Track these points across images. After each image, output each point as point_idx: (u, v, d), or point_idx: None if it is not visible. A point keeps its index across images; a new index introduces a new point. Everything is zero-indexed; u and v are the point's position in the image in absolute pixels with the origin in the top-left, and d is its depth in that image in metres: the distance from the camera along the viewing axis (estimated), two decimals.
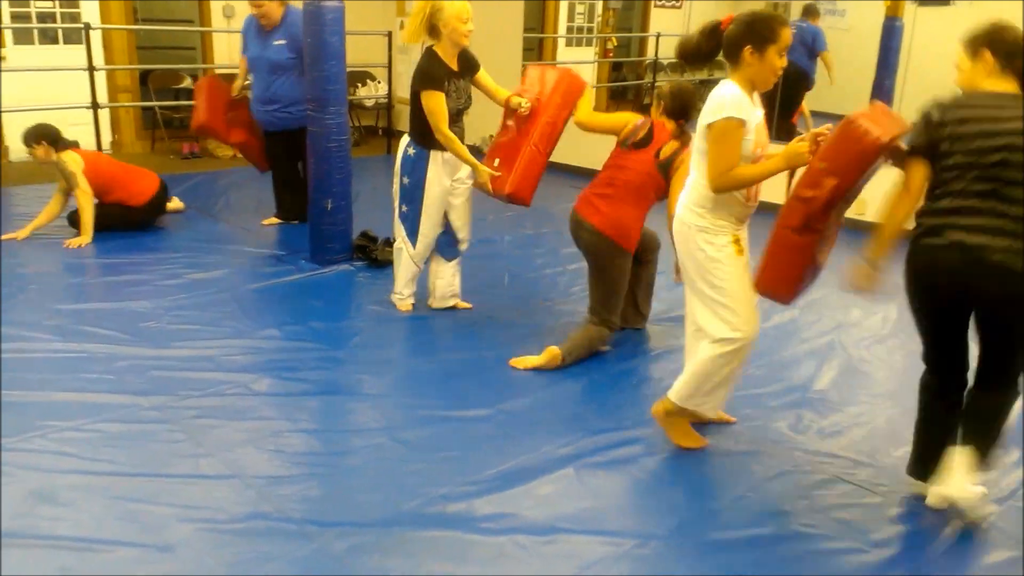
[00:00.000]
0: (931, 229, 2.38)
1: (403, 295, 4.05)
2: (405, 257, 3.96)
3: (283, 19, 4.96)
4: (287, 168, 5.32)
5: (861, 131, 2.39)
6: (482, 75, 3.90)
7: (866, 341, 3.92)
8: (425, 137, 3.72)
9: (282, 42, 4.94)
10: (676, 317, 3.99)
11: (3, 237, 4.77)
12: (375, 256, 4.70)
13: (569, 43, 9.04)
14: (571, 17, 8.93)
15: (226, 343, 3.58)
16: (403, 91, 8.97)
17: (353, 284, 4.47)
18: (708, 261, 2.67)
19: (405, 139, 3.85)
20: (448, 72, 3.67)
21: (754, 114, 2.60)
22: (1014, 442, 2.93)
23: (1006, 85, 2.40)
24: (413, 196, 3.82)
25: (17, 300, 3.90)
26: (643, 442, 2.91)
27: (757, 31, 2.56)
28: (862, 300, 4.21)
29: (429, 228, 3.87)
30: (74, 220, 4.93)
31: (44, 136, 4.89)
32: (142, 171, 5.25)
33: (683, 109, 3.44)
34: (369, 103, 8.80)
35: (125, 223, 5.04)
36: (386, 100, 8.51)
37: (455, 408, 3.12)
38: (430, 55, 3.65)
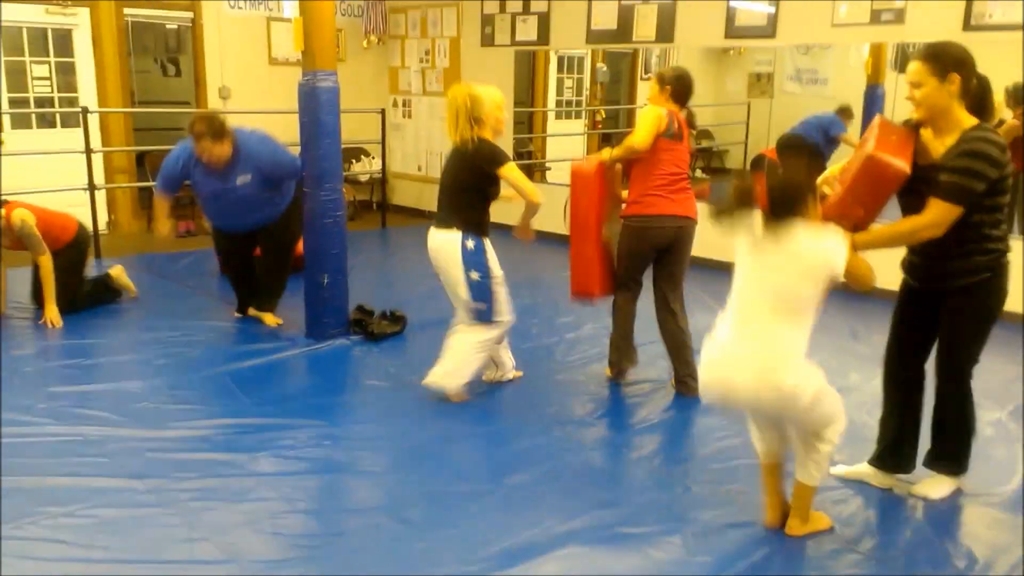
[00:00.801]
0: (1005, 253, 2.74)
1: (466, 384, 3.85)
2: (478, 351, 3.79)
3: (237, 152, 4.49)
4: (245, 261, 5.03)
5: (884, 164, 2.60)
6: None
7: (867, 405, 3.89)
8: (481, 226, 3.75)
9: (247, 178, 4.52)
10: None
11: None
12: (372, 330, 4.70)
13: (559, 116, 9.22)
14: (560, 91, 9.14)
15: (222, 422, 3.54)
16: (396, 166, 9.12)
17: (350, 359, 4.45)
18: None
19: (454, 235, 3.70)
20: None
21: None
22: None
23: (967, 114, 2.64)
24: (485, 287, 3.72)
25: (12, 383, 3.87)
26: (652, 516, 2.87)
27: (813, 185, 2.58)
28: (858, 364, 4.21)
29: (508, 311, 3.86)
30: (38, 294, 4.75)
31: None
32: (58, 214, 5.02)
33: (688, 93, 3.82)
34: (364, 178, 8.92)
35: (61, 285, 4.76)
36: (380, 175, 8.62)
37: (456, 483, 3.07)
38: (486, 142, 3.67)
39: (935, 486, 3.01)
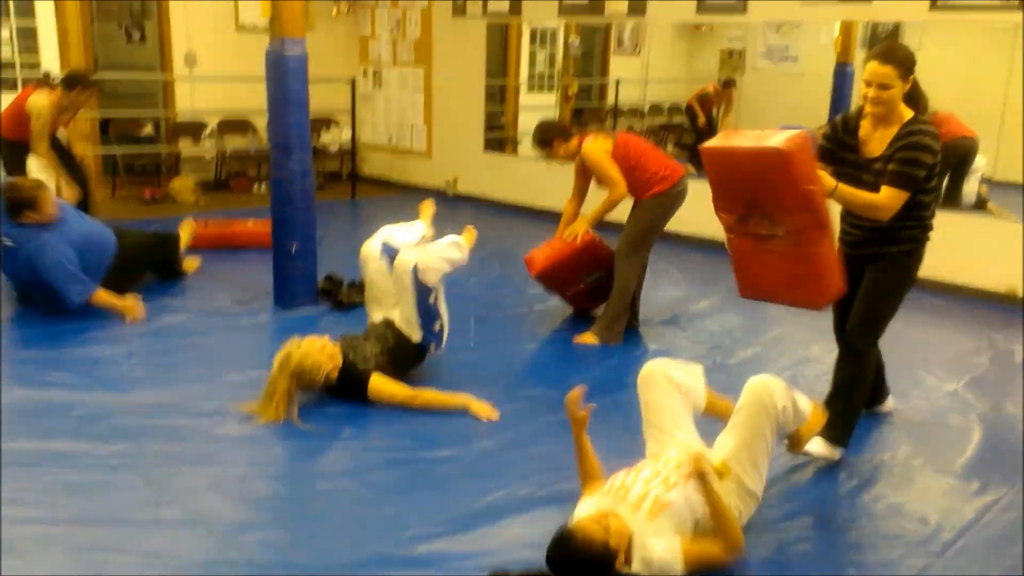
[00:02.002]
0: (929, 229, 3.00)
1: None
2: None
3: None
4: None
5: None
6: None
7: (827, 375, 3.97)
8: None
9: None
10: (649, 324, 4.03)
11: None
12: (340, 299, 4.69)
13: (531, 88, 9.17)
14: (532, 64, 9.09)
15: (188, 388, 3.53)
16: (366, 136, 9.06)
17: (318, 327, 4.42)
18: None
19: None
20: None
21: None
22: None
23: (905, 106, 2.85)
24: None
25: None
26: None
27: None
28: (818, 337, 4.29)
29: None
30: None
31: None
32: None
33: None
34: (333, 148, 8.84)
35: None
36: (350, 146, 8.55)
37: (423, 449, 3.10)
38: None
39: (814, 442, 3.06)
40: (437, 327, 3.67)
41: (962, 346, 4.47)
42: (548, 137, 4.35)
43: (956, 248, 5.41)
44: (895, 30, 7.10)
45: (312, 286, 4.72)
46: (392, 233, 3.77)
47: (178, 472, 2.85)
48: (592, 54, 9.92)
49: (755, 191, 2.75)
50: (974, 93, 6.14)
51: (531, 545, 2.47)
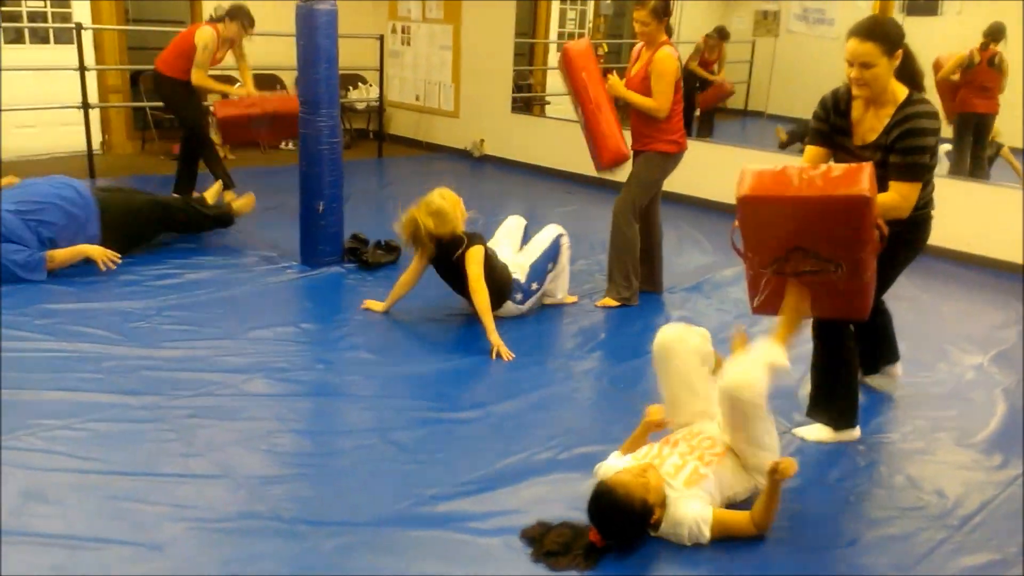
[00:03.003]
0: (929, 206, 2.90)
1: None
2: None
3: None
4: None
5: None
6: None
7: None
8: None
9: None
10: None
11: None
12: (366, 259, 4.72)
13: (560, 49, 9.08)
14: (562, 23, 8.98)
15: (217, 344, 3.58)
16: (394, 95, 9.02)
17: (344, 286, 4.48)
18: None
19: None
20: None
21: None
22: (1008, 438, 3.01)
23: (901, 86, 2.69)
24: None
25: (7, 300, 3.90)
26: None
27: None
28: None
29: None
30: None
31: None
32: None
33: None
34: (360, 106, 8.82)
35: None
36: (377, 103, 8.52)
37: (446, 410, 3.14)
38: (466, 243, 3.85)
39: (812, 430, 3.06)
40: (533, 287, 4.03)
41: (991, 319, 4.42)
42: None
43: (987, 220, 5.33)
44: None
45: (338, 245, 4.75)
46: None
47: (206, 425, 2.91)
48: (623, 13, 9.76)
49: (812, 236, 2.46)
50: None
51: (550, 505, 2.52)
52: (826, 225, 2.43)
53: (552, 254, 4.09)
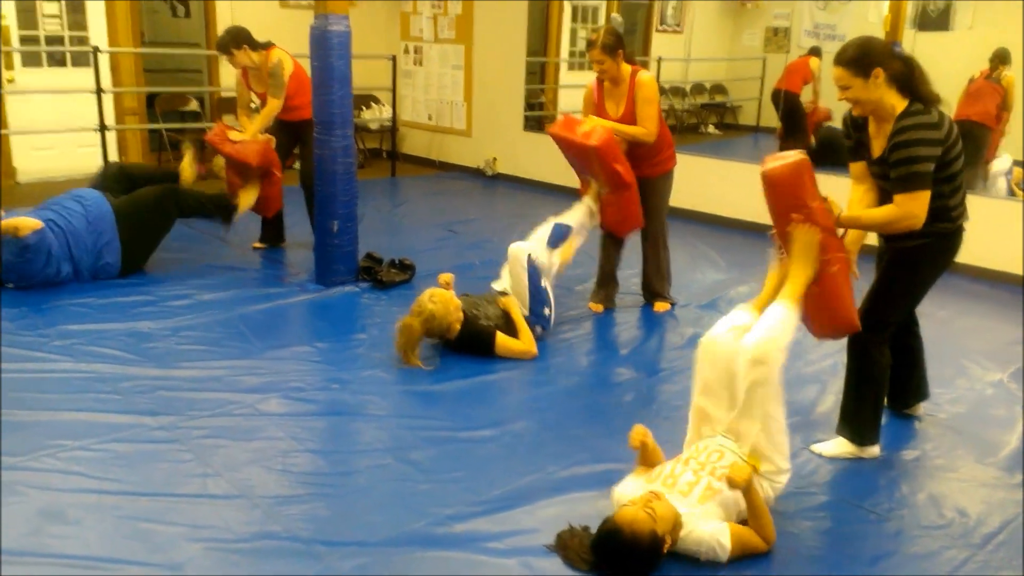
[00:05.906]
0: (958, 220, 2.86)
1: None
2: None
3: None
4: None
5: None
6: None
7: None
8: None
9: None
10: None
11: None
12: (380, 277, 4.73)
13: (571, 67, 9.11)
14: (573, 42, 9.02)
15: (233, 363, 3.60)
16: (407, 114, 9.08)
17: (358, 305, 4.49)
18: None
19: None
20: None
21: None
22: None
23: (902, 98, 2.70)
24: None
25: (25, 321, 3.93)
26: None
27: None
28: None
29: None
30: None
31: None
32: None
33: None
34: (374, 126, 8.88)
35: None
36: (391, 123, 8.58)
37: (461, 429, 3.13)
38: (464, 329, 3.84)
39: (829, 446, 3.05)
40: (546, 312, 3.99)
41: (1010, 335, 4.39)
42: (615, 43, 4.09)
43: (1006, 235, 5.30)
44: (946, 8, 6.92)
45: (353, 264, 4.76)
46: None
47: (223, 445, 2.91)
48: (635, 30, 9.82)
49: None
50: None
51: (566, 526, 2.50)
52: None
53: (535, 277, 3.95)
